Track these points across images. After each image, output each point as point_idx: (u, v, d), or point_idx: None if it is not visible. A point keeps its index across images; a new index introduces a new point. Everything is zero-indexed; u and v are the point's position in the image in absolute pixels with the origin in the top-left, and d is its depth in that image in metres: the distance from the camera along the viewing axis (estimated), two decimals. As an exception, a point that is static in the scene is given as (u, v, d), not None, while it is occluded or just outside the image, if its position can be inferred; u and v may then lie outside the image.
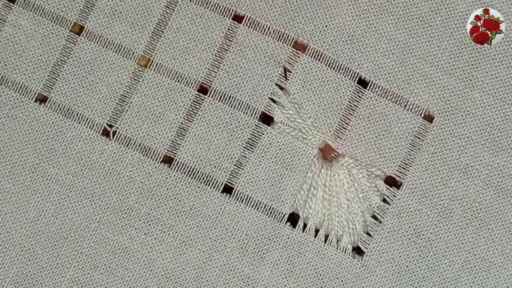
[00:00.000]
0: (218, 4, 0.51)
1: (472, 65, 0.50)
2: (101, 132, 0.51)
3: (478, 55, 0.50)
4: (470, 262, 0.50)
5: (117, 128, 0.51)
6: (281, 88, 0.51)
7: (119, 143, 0.51)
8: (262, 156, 0.51)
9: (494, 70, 0.50)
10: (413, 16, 0.51)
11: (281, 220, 0.51)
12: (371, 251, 0.50)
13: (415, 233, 0.50)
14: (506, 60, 0.50)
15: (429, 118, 0.50)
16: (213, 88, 0.51)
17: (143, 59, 0.52)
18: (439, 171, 0.50)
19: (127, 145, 0.51)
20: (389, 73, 0.50)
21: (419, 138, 0.50)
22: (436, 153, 0.50)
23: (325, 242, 0.51)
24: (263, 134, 0.51)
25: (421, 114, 0.51)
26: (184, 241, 0.50)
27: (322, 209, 0.51)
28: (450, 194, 0.50)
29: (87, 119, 0.51)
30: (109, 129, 0.51)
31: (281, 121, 0.51)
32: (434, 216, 0.50)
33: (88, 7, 0.52)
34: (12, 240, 0.51)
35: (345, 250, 0.50)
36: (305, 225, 0.51)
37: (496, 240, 0.50)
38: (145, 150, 0.51)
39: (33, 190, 0.51)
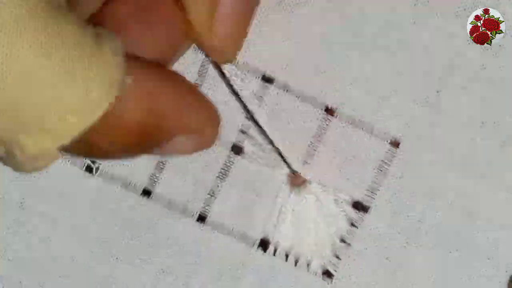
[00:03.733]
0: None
1: (437, 92, 0.52)
2: (84, 168, 0.54)
3: (443, 83, 0.52)
4: (440, 284, 0.51)
5: (100, 164, 0.54)
6: (252, 118, 0.53)
7: (102, 179, 0.54)
8: (234, 184, 0.53)
9: (459, 98, 0.52)
10: (378, 48, 0.53)
11: (253, 245, 0.52)
12: (341, 274, 0.52)
13: (384, 256, 0.51)
14: (470, 87, 0.52)
15: (396, 144, 0.52)
16: (186, 122, 0.53)
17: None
18: (406, 195, 0.52)
19: (110, 180, 0.54)
20: (356, 103, 0.52)
21: (385, 163, 0.52)
22: (402, 177, 0.52)
23: (295, 265, 0.52)
24: (234, 163, 0.53)
25: (387, 140, 0.52)
26: (162, 269, 0.53)
27: (291, 234, 0.52)
28: (418, 217, 0.51)
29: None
30: (92, 165, 0.54)
31: (251, 151, 0.53)
32: (403, 239, 0.51)
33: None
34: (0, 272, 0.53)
35: (315, 273, 0.52)
36: (275, 250, 0.52)
37: (464, 262, 0.51)
38: (126, 184, 0.53)
39: (20, 224, 0.53)
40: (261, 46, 0.54)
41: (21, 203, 0.54)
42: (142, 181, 0.54)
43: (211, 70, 0.54)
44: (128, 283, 0.53)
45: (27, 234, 0.54)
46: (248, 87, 0.54)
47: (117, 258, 0.53)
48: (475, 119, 0.52)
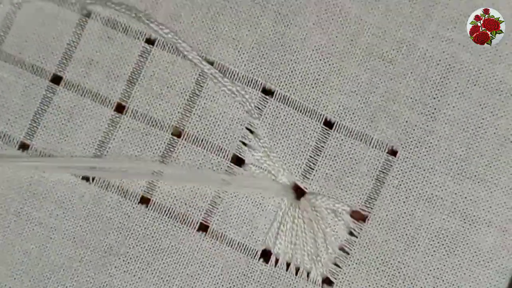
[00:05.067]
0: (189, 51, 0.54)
1: (434, 98, 0.52)
2: (81, 176, 0.54)
3: (439, 88, 0.52)
4: (438, 288, 0.52)
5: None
6: (251, 132, 0.53)
7: (99, 187, 0.53)
8: (235, 196, 0.53)
9: (456, 102, 0.52)
10: (375, 56, 0.53)
11: (255, 256, 0.53)
12: (340, 282, 0.52)
13: (383, 263, 0.52)
14: (467, 91, 0.52)
15: (393, 152, 0.52)
16: (186, 132, 0.53)
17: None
18: (404, 202, 0.52)
19: (106, 188, 0.53)
20: (353, 113, 0.53)
21: (383, 172, 0.52)
22: (400, 185, 0.52)
23: (296, 274, 0.53)
24: (235, 175, 0.53)
25: (385, 150, 0.52)
26: (162, 278, 0.53)
27: (291, 244, 0.53)
28: (416, 224, 0.52)
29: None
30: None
31: (252, 163, 0.53)
32: (401, 245, 0.52)
33: (66, 58, 0.54)
34: (-1, 281, 0.53)
35: (315, 282, 0.52)
36: (277, 260, 0.53)
37: (463, 265, 0.51)
38: (123, 192, 0.53)
39: (18, 233, 0.53)
40: (260, 59, 0.53)
41: (18, 212, 0.53)
42: (140, 189, 0.53)
43: (210, 80, 0.53)
44: (128, 292, 0.53)
45: (24, 243, 0.53)
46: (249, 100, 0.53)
47: (115, 267, 0.53)
48: (473, 124, 0.52)
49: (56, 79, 0.54)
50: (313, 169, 0.53)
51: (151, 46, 0.54)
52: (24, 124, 0.54)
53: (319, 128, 0.53)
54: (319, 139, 0.53)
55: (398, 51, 0.53)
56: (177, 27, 0.54)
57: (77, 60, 0.54)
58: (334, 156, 0.53)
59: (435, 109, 0.52)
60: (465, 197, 0.52)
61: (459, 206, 0.52)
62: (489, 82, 0.52)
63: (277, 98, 0.53)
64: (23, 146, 0.54)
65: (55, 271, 0.53)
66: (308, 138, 0.53)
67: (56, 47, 0.54)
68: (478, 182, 0.52)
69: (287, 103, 0.53)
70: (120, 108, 0.54)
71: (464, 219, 0.52)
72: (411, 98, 0.52)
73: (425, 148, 0.52)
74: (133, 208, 0.53)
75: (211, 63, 0.53)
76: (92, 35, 0.54)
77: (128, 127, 0.54)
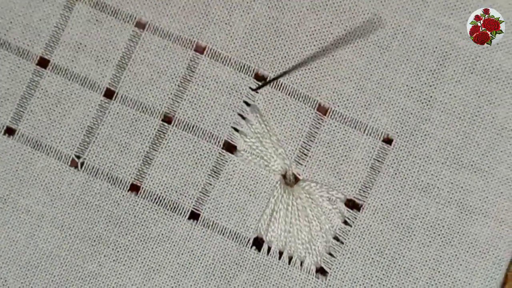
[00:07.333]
0: (180, 36, 0.53)
1: (430, 86, 0.51)
2: (69, 163, 0.52)
3: (436, 76, 0.51)
4: (434, 279, 0.51)
5: (85, 158, 0.52)
6: (243, 118, 0.52)
7: (87, 174, 0.52)
8: (226, 183, 0.52)
9: (452, 90, 0.51)
10: (370, 43, 0.52)
11: (247, 244, 0.52)
12: (334, 271, 0.51)
13: (378, 253, 0.51)
14: (463, 79, 0.51)
15: (388, 141, 0.52)
16: (177, 117, 0.52)
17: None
18: (399, 191, 0.51)
19: (95, 175, 0.52)
20: (348, 100, 0.52)
21: (378, 160, 0.51)
22: (396, 174, 0.51)
23: (289, 264, 0.52)
24: (227, 162, 0.52)
25: (380, 138, 0.52)
26: (152, 267, 0.52)
27: (285, 232, 0.52)
28: (412, 213, 0.51)
29: (55, 150, 0.52)
30: (77, 160, 0.52)
31: (244, 149, 0.52)
32: (397, 235, 0.51)
33: (53, 41, 0.53)
34: (-15, 270, 0.52)
35: (309, 271, 0.52)
36: (269, 248, 0.52)
37: (460, 256, 0.51)
38: (113, 180, 0.52)
39: (4, 221, 0.52)
40: (253, 44, 0.52)
41: (4, 199, 0.52)
42: (129, 176, 0.52)
43: (201, 65, 0.52)
44: (117, 281, 0.52)
45: (11, 230, 0.52)
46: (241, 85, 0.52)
47: (104, 256, 0.52)
48: (469, 112, 0.51)
49: (43, 63, 0.53)
50: (307, 156, 0.52)
51: (141, 30, 0.53)
52: (10, 109, 0.53)
53: (312, 114, 0.52)
54: (312, 125, 0.52)
55: (393, 37, 0.52)
56: (169, 11, 0.53)
57: (64, 43, 0.53)
58: (328, 143, 0.52)
59: (431, 96, 0.51)
60: (461, 187, 0.51)
61: (455, 196, 0.51)
62: (486, 70, 0.51)
63: (270, 84, 0.52)
64: (9, 131, 0.53)
65: (43, 260, 0.52)
66: (301, 124, 0.52)
67: (43, 30, 0.53)
68: (475, 171, 0.51)
69: (280, 88, 0.52)
70: (109, 93, 0.53)
71: (461, 209, 0.51)
72: (406, 85, 0.52)
73: (421, 136, 0.51)
74: (123, 195, 0.52)
75: (203, 48, 0.52)
76: (80, 17, 0.53)
77: (117, 113, 0.52)
